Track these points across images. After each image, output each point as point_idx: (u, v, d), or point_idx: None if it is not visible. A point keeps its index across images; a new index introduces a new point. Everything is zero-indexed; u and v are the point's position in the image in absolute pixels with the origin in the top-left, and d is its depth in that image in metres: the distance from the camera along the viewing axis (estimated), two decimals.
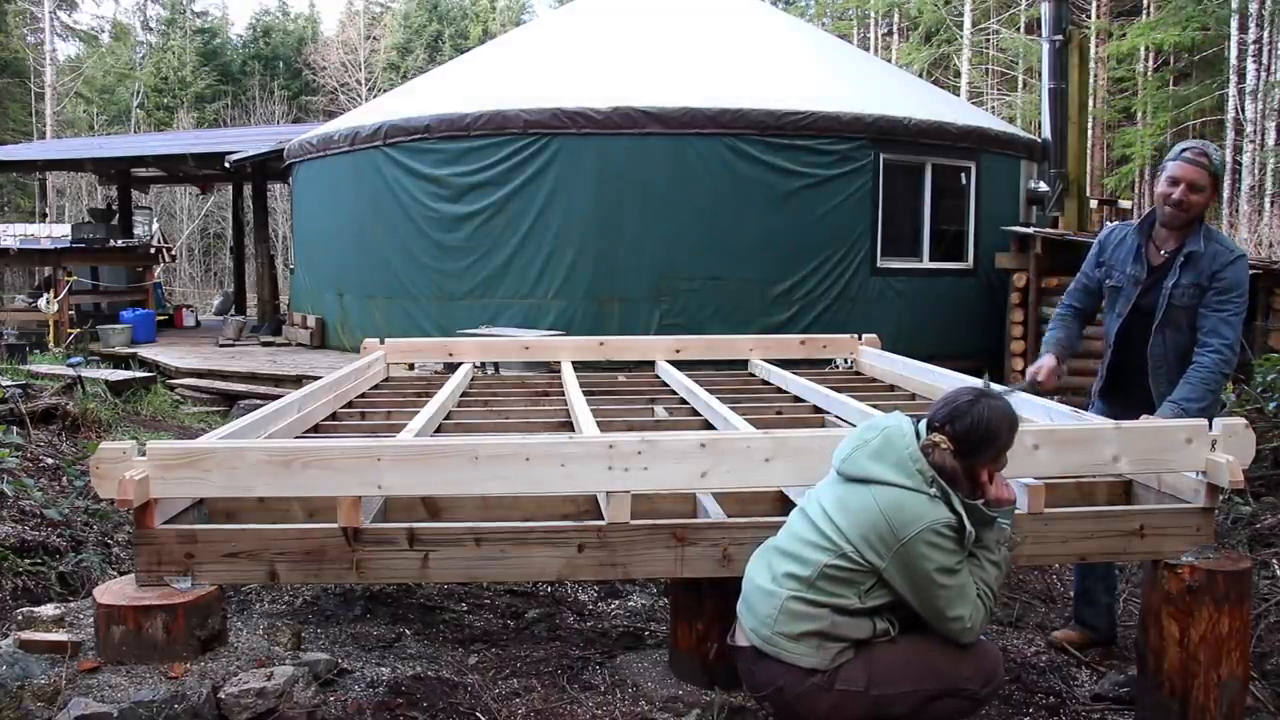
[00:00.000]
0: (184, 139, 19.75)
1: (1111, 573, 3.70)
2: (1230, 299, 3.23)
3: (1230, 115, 19.40)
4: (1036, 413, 3.47)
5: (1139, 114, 23.06)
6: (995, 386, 2.60)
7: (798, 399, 4.50)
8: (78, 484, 4.62)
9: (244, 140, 14.88)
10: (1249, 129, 18.34)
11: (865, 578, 2.26)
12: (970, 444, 2.31)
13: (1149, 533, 2.80)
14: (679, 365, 5.12)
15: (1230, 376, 3.42)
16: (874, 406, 3.76)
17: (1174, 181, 3.25)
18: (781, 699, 2.35)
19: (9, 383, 6.27)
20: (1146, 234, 3.41)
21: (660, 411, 4.27)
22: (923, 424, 2.38)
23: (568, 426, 3.81)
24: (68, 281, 13.02)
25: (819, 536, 2.31)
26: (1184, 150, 3.29)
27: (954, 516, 2.24)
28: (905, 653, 2.32)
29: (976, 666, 2.34)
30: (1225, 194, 19.76)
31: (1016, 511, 2.78)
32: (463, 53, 21.59)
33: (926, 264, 10.04)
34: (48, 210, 26.78)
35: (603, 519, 2.75)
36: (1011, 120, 22.05)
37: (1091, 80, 20.48)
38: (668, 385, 4.92)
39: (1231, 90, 19.08)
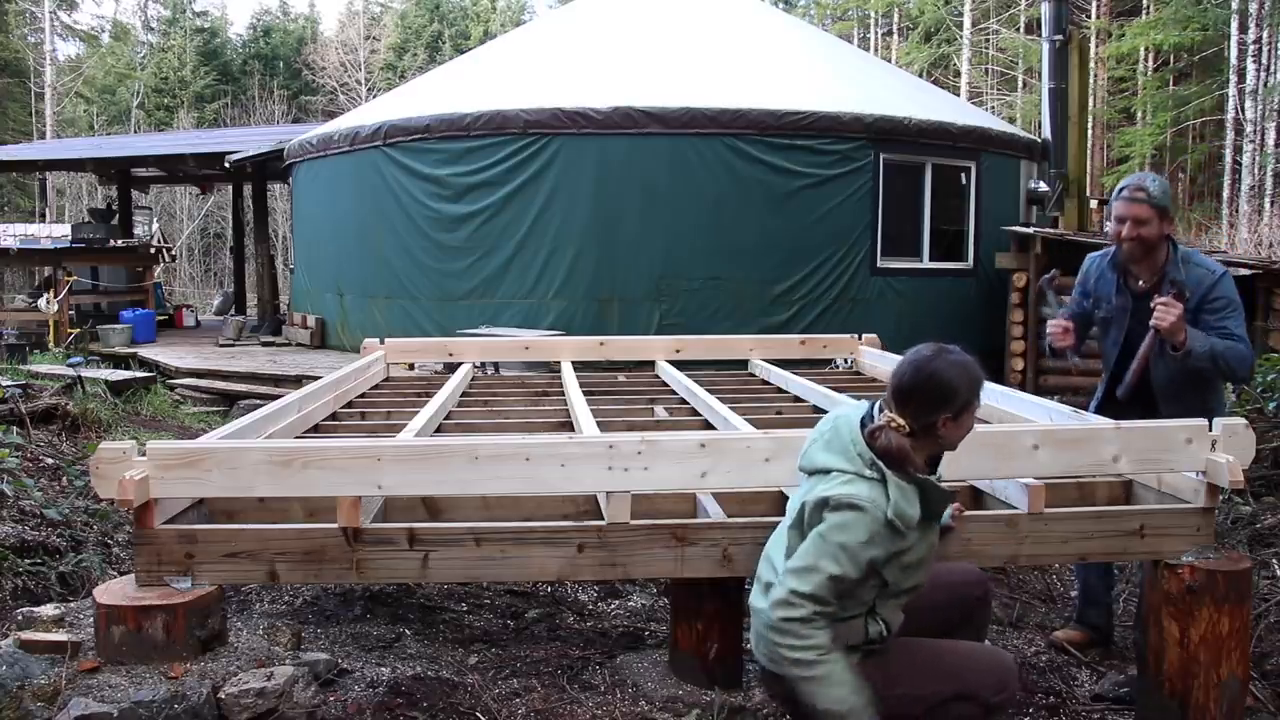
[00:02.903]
0: (184, 139, 19.76)
1: (1110, 572, 3.71)
2: (1229, 314, 3.27)
3: (1230, 115, 19.41)
4: (1036, 413, 3.47)
5: (1139, 114, 23.09)
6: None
7: (798, 399, 4.50)
8: (78, 484, 4.62)
9: (244, 140, 14.88)
10: (1249, 129, 18.35)
11: None
12: (925, 399, 2.22)
13: (1149, 533, 2.80)
14: (679, 365, 5.11)
15: (1248, 373, 3.43)
16: None
17: (1120, 220, 3.33)
18: (795, 704, 2.35)
19: (9, 383, 6.27)
20: (1121, 268, 3.46)
21: (660, 411, 4.27)
22: (875, 406, 2.35)
23: (568, 426, 3.81)
24: (68, 281, 13.02)
25: (787, 547, 2.32)
26: (1123, 189, 3.37)
27: (885, 502, 2.17)
28: (921, 657, 2.32)
29: (993, 675, 2.32)
30: (1225, 194, 19.80)
31: (1015, 511, 2.80)
32: (463, 53, 21.59)
33: (926, 264, 10.05)
34: (48, 210, 26.76)
35: (603, 519, 2.75)
36: (1011, 120, 22.05)
37: (1091, 80, 20.49)
38: (668, 385, 4.92)
39: (1231, 90, 19.09)
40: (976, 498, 3.04)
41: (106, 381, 7.89)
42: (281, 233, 26.71)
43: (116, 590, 2.67)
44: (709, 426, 3.78)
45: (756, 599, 2.40)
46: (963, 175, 10.27)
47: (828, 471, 2.25)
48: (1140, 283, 3.41)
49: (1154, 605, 2.80)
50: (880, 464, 2.21)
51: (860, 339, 5.59)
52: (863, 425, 2.29)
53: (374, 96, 31.20)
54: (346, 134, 10.85)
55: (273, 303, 14.30)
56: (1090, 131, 18.02)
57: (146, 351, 11.43)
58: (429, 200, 9.94)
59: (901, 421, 2.23)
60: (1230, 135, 19.60)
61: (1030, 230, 9.18)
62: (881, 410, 2.30)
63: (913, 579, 2.30)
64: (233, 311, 16.10)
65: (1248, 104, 18.32)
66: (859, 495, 2.17)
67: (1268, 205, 17.39)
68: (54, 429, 5.77)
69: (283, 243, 26.50)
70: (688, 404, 4.37)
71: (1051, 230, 9.51)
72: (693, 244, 9.25)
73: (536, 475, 2.68)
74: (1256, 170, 18.24)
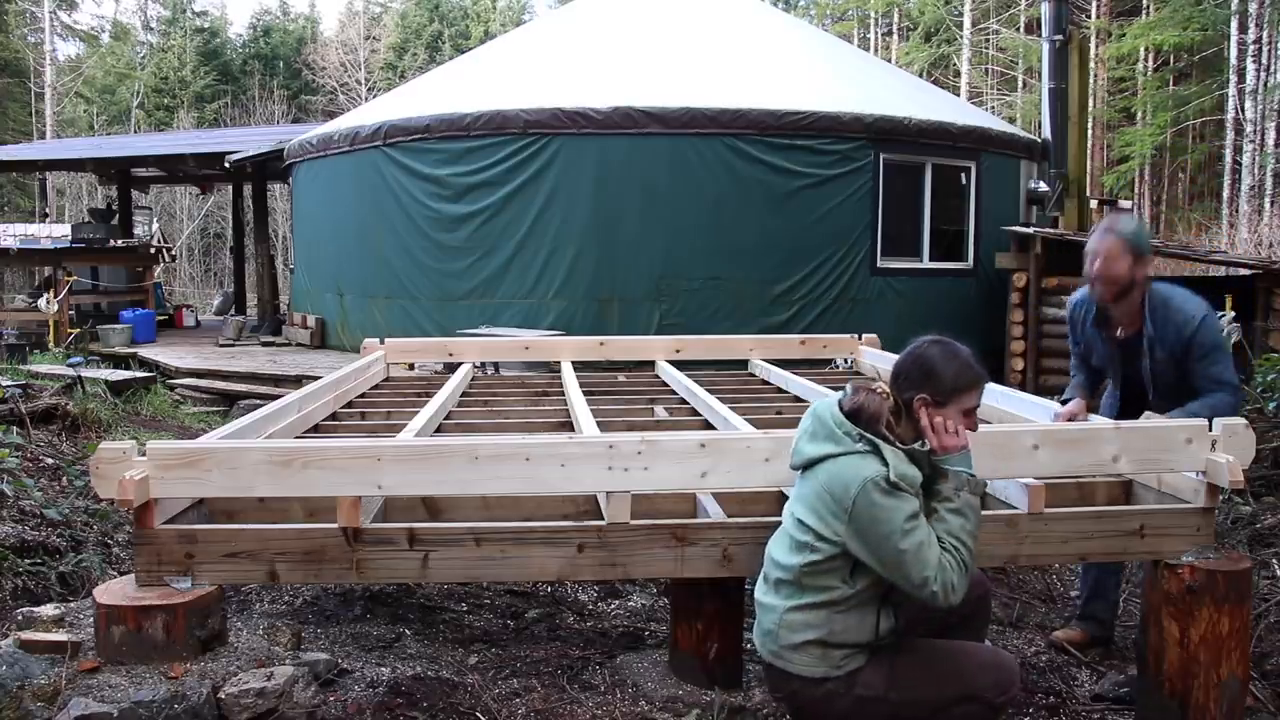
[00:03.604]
0: (184, 139, 19.75)
1: (1121, 568, 3.70)
2: (1214, 359, 3.24)
3: (1230, 115, 19.41)
4: (1036, 413, 3.47)
5: (1139, 114, 23.08)
6: None
7: (798, 399, 4.50)
8: (78, 484, 4.62)
9: (244, 140, 14.88)
10: (1249, 129, 18.34)
11: (842, 562, 2.26)
12: (908, 376, 2.32)
13: (1149, 533, 2.80)
14: (679, 365, 5.12)
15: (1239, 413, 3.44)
16: None
17: (1090, 258, 3.27)
18: (796, 702, 2.37)
19: (9, 383, 6.27)
20: (1101, 318, 3.44)
21: (660, 411, 4.27)
22: (849, 387, 2.39)
23: (568, 426, 3.81)
24: (68, 281, 13.01)
25: (791, 541, 2.34)
26: (1095, 228, 3.38)
27: (886, 468, 2.20)
28: (924, 658, 2.33)
29: (995, 675, 2.33)
30: (1225, 194, 19.80)
31: (1015, 511, 2.80)
32: (463, 53, 21.59)
33: (926, 264, 10.05)
34: (48, 210, 26.75)
35: (603, 519, 2.75)
36: (1011, 120, 22.05)
37: (1091, 80, 20.48)
38: (668, 385, 4.92)
39: (1231, 90, 19.08)
40: None
41: (106, 381, 7.88)
42: (281, 233, 26.71)
43: (116, 590, 2.67)
44: (709, 426, 3.79)
45: (765, 595, 2.40)
46: (963, 175, 10.27)
47: (819, 460, 2.28)
48: (1120, 332, 3.40)
49: (1154, 605, 2.80)
50: (867, 435, 2.25)
51: (860, 339, 5.60)
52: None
53: (374, 96, 31.20)
54: (346, 134, 10.85)
55: (273, 303, 14.30)
56: (1090, 131, 18.02)
57: (146, 351, 11.42)
58: (429, 200, 9.94)
59: (887, 390, 2.34)
60: (1230, 135, 19.59)
61: (1030, 230, 9.17)
62: (856, 391, 2.35)
63: None
64: (233, 311, 16.09)
65: (1248, 104, 18.31)
66: (856, 475, 2.20)
67: (1268, 205, 17.39)
68: (54, 429, 5.77)
69: (283, 243, 26.50)
70: (688, 404, 4.37)
71: (1051, 230, 9.51)
72: (693, 244, 9.25)
73: (536, 475, 2.68)
74: (1256, 170, 18.23)
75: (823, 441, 2.29)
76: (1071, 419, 3.36)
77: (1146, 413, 3.28)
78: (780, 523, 2.51)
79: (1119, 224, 3.30)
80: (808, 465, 2.33)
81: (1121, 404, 3.50)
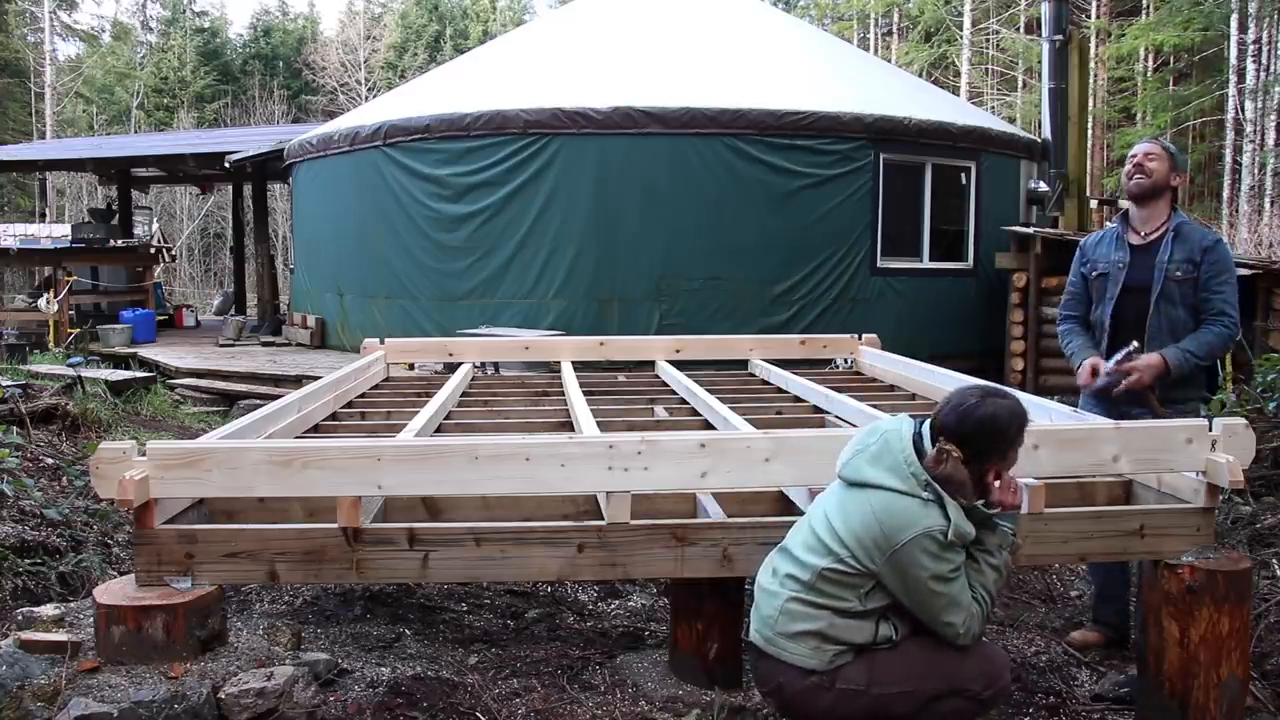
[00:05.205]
0: (184, 139, 19.75)
1: (1127, 567, 3.69)
2: (1225, 279, 3.44)
3: (1230, 115, 19.41)
4: (1036, 413, 3.47)
5: (1139, 114, 23.08)
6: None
7: (798, 399, 4.50)
8: (78, 484, 4.62)
9: (244, 140, 14.88)
10: (1249, 129, 18.34)
11: (863, 581, 2.28)
12: (979, 445, 2.30)
13: (1149, 533, 2.80)
14: (679, 365, 5.11)
15: (1232, 344, 3.57)
16: (874, 406, 3.76)
17: (1133, 156, 3.55)
18: (782, 696, 2.38)
19: (9, 383, 6.27)
20: (1125, 222, 3.63)
21: (660, 411, 4.27)
22: (925, 425, 2.38)
23: (568, 426, 3.81)
24: (68, 281, 13.01)
25: (817, 541, 2.34)
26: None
27: (947, 522, 2.23)
28: (906, 653, 2.33)
29: (980, 668, 2.34)
30: (1225, 194, 19.79)
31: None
32: (463, 53, 21.59)
33: (926, 264, 10.05)
34: (48, 210, 26.75)
35: (603, 519, 2.75)
36: (1011, 120, 22.04)
37: (1091, 80, 20.48)
38: (668, 385, 4.92)
39: (1231, 90, 19.08)
40: None
41: (106, 381, 7.88)
42: (281, 233, 26.70)
43: (116, 590, 2.67)
44: (709, 426, 3.78)
45: (769, 582, 2.42)
46: (963, 175, 10.26)
47: (877, 487, 2.28)
48: (1142, 234, 3.55)
49: (1154, 605, 2.80)
50: (935, 485, 2.25)
51: (860, 339, 5.59)
52: (915, 446, 2.32)
53: (374, 96, 31.21)
54: (346, 134, 10.85)
55: (273, 303, 14.29)
56: (1090, 131, 18.00)
57: (146, 351, 11.42)
58: (429, 200, 9.94)
59: (960, 454, 2.30)
60: (1230, 135, 19.59)
61: (1030, 230, 9.18)
62: (935, 436, 2.33)
63: None
64: (233, 311, 16.09)
65: (1248, 104, 18.31)
66: (913, 521, 2.22)
67: (1268, 205, 17.38)
68: (54, 429, 5.77)
69: (283, 243, 26.49)
70: (688, 404, 4.37)
71: (1051, 230, 9.51)
72: (693, 244, 9.25)
73: (536, 475, 2.68)
74: (1256, 170, 18.24)
75: (885, 472, 2.29)
76: (1095, 370, 3.47)
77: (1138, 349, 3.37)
78: (779, 521, 2.51)
79: (1160, 139, 3.58)
80: (859, 483, 2.32)
81: (1114, 324, 3.55)
